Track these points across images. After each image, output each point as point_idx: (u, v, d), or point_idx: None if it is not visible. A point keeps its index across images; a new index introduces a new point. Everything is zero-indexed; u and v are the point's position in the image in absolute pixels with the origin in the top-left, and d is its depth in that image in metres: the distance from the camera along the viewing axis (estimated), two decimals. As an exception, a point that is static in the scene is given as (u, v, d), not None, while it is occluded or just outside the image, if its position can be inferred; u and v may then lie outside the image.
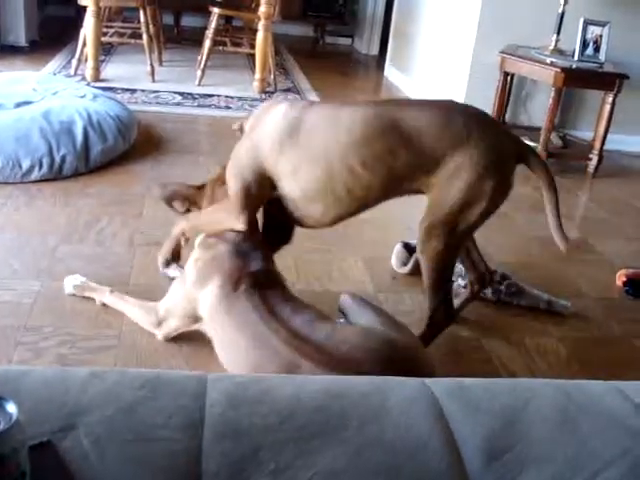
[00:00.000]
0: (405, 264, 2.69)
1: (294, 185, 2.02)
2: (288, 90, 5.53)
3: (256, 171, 2.03)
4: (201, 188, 2.24)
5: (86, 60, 4.98)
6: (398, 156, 1.93)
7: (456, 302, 2.25)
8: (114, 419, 0.93)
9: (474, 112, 2.03)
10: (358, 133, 1.93)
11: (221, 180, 2.16)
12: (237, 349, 1.82)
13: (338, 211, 2.05)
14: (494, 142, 1.96)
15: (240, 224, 2.05)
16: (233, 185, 2.06)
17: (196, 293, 1.95)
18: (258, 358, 1.72)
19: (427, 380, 1.09)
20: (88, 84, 4.63)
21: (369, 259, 2.77)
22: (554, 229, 2.07)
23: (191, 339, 2.09)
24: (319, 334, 1.70)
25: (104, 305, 2.23)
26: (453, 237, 2.00)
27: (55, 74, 5.04)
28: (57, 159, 3.20)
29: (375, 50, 7.69)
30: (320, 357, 1.63)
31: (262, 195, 2.08)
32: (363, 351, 1.64)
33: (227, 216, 2.07)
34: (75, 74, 5.06)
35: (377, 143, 1.92)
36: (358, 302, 2.01)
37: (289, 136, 1.98)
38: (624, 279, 2.83)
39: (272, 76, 5.48)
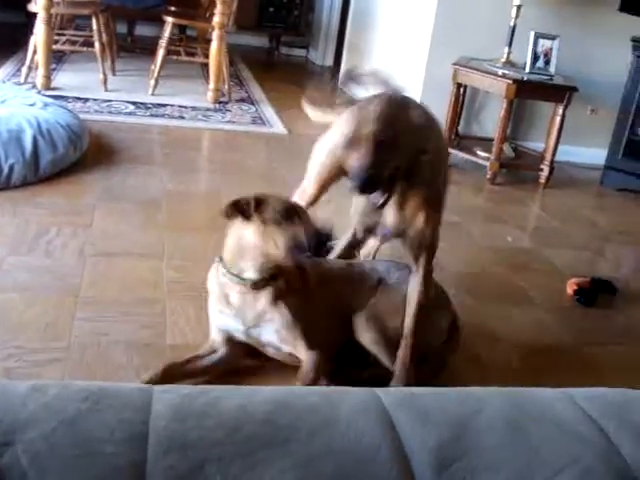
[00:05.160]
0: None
1: None
2: (242, 100, 5.51)
3: None
4: None
5: (37, 68, 4.89)
6: None
7: None
8: (55, 434, 0.90)
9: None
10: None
11: None
12: None
13: None
14: None
15: None
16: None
17: None
18: None
19: (377, 390, 1.08)
20: (39, 92, 4.55)
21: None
22: None
23: (142, 352, 2.06)
24: None
25: None
26: None
27: (4, 82, 4.94)
28: (5, 168, 3.12)
29: (330, 61, 7.70)
30: None
31: None
32: None
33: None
34: (25, 82, 4.97)
35: None
36: None
37: None
38: (575, 287, 2.87)
39: (226, 86, 5.46)
